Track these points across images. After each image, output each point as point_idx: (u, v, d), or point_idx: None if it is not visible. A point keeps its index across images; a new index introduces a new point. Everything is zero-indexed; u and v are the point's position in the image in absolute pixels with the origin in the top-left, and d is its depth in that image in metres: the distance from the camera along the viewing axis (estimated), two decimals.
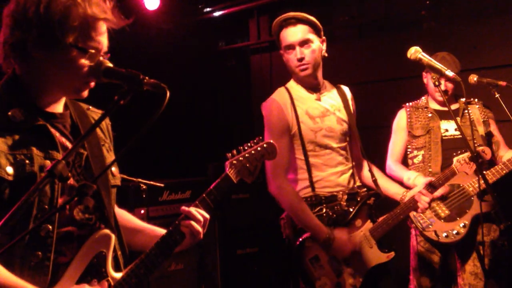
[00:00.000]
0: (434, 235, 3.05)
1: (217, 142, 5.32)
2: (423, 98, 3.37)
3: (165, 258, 1.63)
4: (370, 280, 2.47)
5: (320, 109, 2.54)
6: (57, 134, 1.49)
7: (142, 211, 3.94)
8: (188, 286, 4.19)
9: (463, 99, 3.24)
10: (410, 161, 3.28)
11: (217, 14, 5.20)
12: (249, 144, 1.90)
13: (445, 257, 3.18)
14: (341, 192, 2.51)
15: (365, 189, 2.63)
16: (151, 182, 3.64)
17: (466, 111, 3.16)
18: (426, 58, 2.43)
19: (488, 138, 3.24)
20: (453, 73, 2.37)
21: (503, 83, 3.11)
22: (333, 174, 2.51)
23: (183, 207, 1.73)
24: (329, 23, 4.60)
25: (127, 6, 4.77)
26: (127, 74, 1.36)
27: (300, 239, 2.44)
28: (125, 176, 3.48)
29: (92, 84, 1.50)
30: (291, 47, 2.52)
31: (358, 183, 2.63)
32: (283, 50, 2.55)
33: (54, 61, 1.42)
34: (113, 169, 1.69)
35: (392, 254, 2.53)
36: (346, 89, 2.71)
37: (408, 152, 3.30)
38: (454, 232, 3.04)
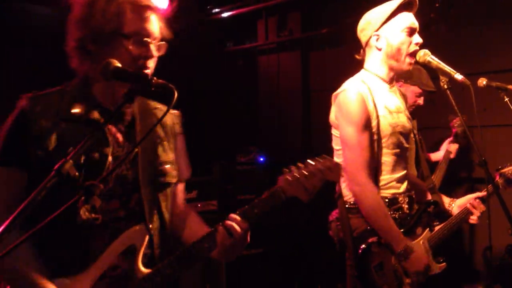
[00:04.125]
0: None
1: (223, 142, 5.32)
2: None
3: (193, 263, 1.58)
4: None
5: (395, 103, 2.41)
6: (113, 130, 1.60)
7: None
8: (193, 286, 4.19)
9: None
10: None
11: (225, 15, 5.20)
12: (311, 162, 1.66)
13: None
14: (402, 195, 2.39)
15: (413, 192, 2.52)
16: None
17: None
18: (435, 61, 2.42)
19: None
20: (462, 76, 2.36)
21: None
22: (400, 176, 2.38)
23: (227, 221, 1.65)
24: (336, 24, 4.59)
25: None
26: (135, 74, 1.37)
27: (364, 245, 2.27)
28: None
29: (147, 71, 1.57)
30: (414, 31, 2.36)
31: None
32: (400, 31, 2.33)
33: (110, 53, 1.52)
34: (167, 166, 1.70)
35: (444, 265, 2.43)
36: (402, 91, 2.61)
37: None
38: None
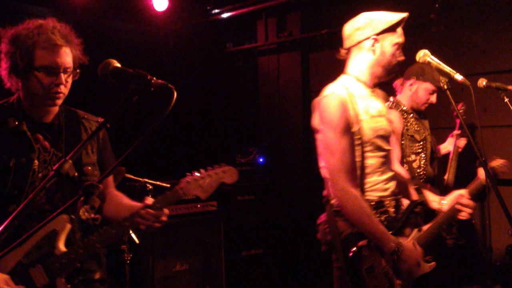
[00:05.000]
0: None
1: (223, 143, 5.32)
2: (398, 102, 3.33)
3: (102, 246, 1.95)
4: None
5: (376, 108, 2.42)
6: (40, 138, 1.96)
7: None
8: (193, 287, 4.20)
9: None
10: (405, 166, 3.21)
11: (225, 15, 5.20)
12: (211, 167, 2.13)
13: None
14: (388, 198, 2.39)
15: (400, 196, 2.52)
16: (157, 183, 3.65)
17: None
18: (434, 61, 2.42)
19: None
20: (461, 77, 2.36)
21: None
22: (385, 179, 2.39)
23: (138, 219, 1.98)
24: (336, 26, 4.59)
25: (136, 7, 4.81)
26: (135, 74, 1.38)
27: (355, 248, 2.28)
28: (131, 176, 3.50)
29: (58, 95, 1.92)
30: (401, 47, 2.41)
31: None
32: (393, 43, 2.38)
33: (28, 82, 1.91)
34: (89, 168, 2.02)
35: (434, 264, 2.42)
36: (383, 93, 2.60)
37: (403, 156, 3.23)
38: None
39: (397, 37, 2.39)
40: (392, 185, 2.43)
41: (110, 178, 2.23)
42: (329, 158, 2.32)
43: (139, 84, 1.36)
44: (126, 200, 2.18)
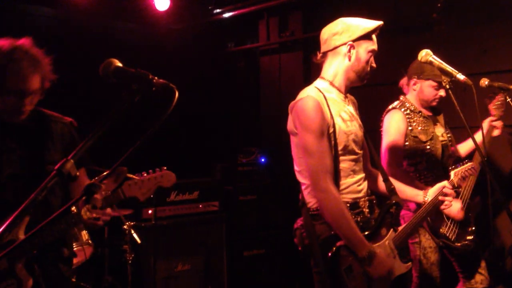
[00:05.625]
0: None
1: (224, 142, 5.32)
2: (405, 101, 3.28)
3: (53, 238, 2.07)
4: None
5: (348, 112, 2.46)
6: (7, 139, 2.13)
7: (150, 211, 3.95)
8: (194, 287, 4.20)
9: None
10: (410, 167, 3.19)
11: (226, 15, 5.21)
12: (151, 171, 2.26)
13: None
14: (362, 199, 2.43)
15: (373, 196, 2.55)
16: None
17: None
18: (437, 61, 2.42)
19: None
20: (463, 76, 2.36)
21: None
22: (357, 180, 2.42)
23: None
24: None
25: (137, 6, 4.82)
26: (136, 74, 1.37)
27: (334, 248, 2.30)
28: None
29: (23, 112, 2.10)
30: (374, 53, 2.45)
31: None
32: (368, 50, 2.43)
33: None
34: (50, 166, 2.08)
35: (410, 264, 2.45)
36: (352, 98, 2.68)
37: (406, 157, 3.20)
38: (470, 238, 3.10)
39: (372, 44, 2.43)
40: (364, 186, 2.47)
41: (82, 171, 2.32)
42: (309, 160, 2.32)
43: (140, 84, 1.35)
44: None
